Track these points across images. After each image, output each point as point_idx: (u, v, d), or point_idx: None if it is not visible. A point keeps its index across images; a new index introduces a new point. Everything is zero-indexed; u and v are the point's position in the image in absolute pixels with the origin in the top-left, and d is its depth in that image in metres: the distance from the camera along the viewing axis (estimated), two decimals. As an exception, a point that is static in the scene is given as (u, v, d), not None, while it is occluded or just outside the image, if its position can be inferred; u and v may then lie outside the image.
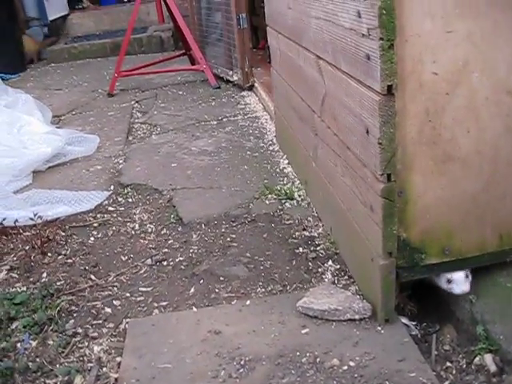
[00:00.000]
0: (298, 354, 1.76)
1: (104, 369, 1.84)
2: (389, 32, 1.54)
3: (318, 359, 1.73)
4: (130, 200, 3.06)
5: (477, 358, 1.74)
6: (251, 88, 4.91)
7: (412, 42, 1.60)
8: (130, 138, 4.08)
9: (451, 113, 1.68)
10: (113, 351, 1.92)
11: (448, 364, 1.75)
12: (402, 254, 1.77)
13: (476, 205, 1.79)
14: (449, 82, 1.65)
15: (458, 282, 1.87)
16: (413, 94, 1.64)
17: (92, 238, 2.69)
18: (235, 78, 5.04)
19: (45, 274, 2.40)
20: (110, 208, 2.99)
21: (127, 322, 2.05)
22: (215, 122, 4.20)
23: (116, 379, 1.78)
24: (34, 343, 1.98)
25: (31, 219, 2.67)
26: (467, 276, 1.88)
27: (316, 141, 2.44)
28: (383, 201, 1.69)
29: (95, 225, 2.81)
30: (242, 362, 1.76)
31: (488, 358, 1.72)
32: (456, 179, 1.74)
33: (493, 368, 1.69)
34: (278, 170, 3.21)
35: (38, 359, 1.91)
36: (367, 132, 1.72)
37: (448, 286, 1.88)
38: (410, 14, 1.57)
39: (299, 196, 2.83)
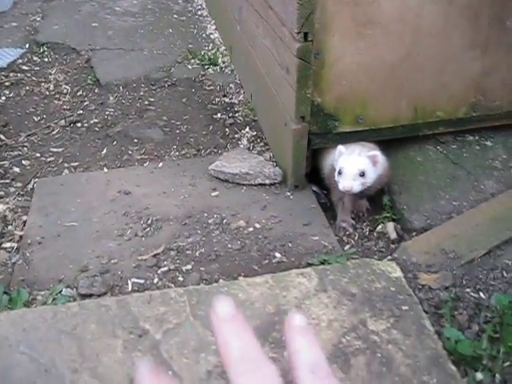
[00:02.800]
0: (205, 215, 1.76)
1: (9, 227, 1.80)
2: None
3: (224, 221, 1.74)
4: (46, 59, 2.87)
5: (379, 226, 1.79)
6: None
7: None
8: (50, -5, 3.76)
9: (376, -28, 1.59)
10: (19, 210, 1.87)
11: (351, 230, 1.78)
12: (315, 120, 1.74)
13: (394, 75, 1.75)
14: None
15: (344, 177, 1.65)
16: None
17: (3, 98, 2.54)
18: None
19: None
20: (25, 67, 2.80)
21: (35, 182, 1.99)
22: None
23: (21, 236, 1.74)
24: None
25: None
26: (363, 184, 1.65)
27: (241, 1, 2.30)
28: (299, 62, 1.63)
29: (7, 84, 2.65)
30: (149, 222, 1.74)
31: (390, 226, 1.77)
32: (376, 45, 1.69)
33: (393, 235, 1.74)
34: (204, 35, 3.07)
35: None
36: (287, -13, 1.62)
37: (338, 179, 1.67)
38: None
39: (223, 62, 2.73)
